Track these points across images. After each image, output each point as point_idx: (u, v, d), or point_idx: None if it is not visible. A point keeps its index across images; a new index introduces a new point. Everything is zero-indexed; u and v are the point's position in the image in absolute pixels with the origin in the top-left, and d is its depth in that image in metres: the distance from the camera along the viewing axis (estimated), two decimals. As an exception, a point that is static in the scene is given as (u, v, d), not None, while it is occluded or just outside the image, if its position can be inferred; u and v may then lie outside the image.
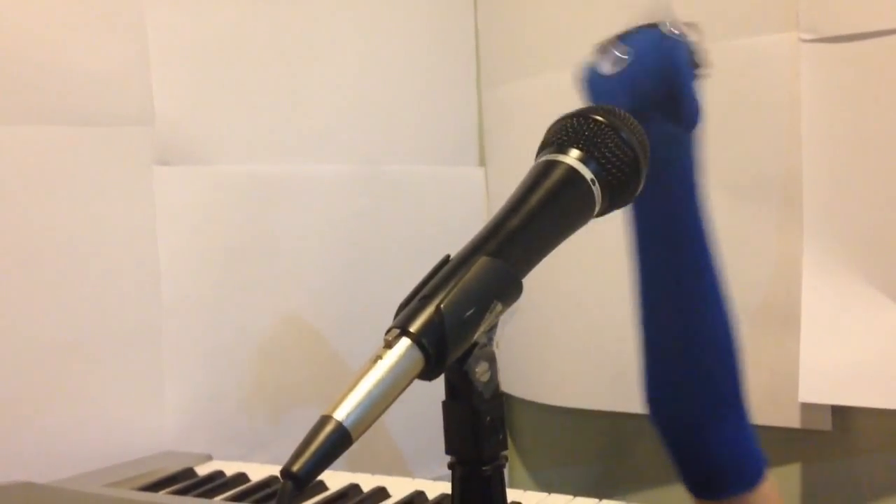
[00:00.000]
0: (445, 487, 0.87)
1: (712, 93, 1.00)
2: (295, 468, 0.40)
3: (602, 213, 0.52)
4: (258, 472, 0.97)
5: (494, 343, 0.48)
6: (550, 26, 1.17)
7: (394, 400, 0.43)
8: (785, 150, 0.95)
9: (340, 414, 0.41)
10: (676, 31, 0.65)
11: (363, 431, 0.42)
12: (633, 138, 0.52)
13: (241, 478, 0.96)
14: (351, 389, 0.42)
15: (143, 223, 1.06)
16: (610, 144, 0.51)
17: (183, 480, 0.96)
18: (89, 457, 1.00)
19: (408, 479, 0.90)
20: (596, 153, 0.51)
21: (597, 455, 1.26)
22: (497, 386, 0.48)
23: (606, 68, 0.64)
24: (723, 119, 1.01)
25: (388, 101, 1.25)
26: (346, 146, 1.21)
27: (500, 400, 0.48)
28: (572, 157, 0.51)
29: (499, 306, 0.46)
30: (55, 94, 0.99)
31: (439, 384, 0.49)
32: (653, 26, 0.67)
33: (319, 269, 1.19)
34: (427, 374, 0.44)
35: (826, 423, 0.98)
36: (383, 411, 0.43)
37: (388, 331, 0.45)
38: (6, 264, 0.96)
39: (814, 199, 0.94)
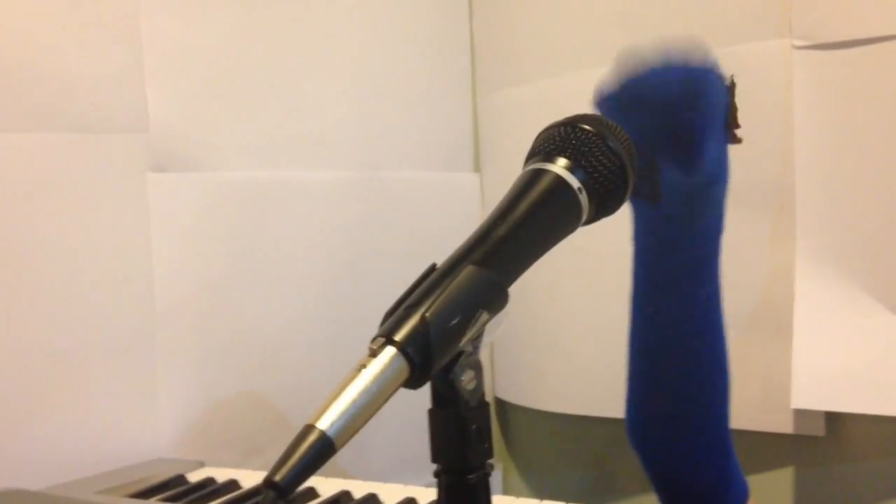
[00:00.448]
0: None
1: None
2: (277, 478, 0.40)
3: (589, 221, 0.52)
4: (250, 478, 0.97)
5: (480, 351, 0.48)
6: (545, 34, 1.17)
7: (378, 408, 0.43)
8: (777, 156, 0.95)
9: (324, 423, 0.41)
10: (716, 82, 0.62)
11: (347, 440, 0.42)
12: (620, 147, 0.52)
13: (233, 485, 0.95)
14: (335, 398, 0.42)
15: (138, 230, 1.06)
16: (597, 153, 0.51)
17: (174, 487, 0.95)
18: (81, 463, 1.00)
19: (399, 486, 0.90)
20: (583, 162, 0.51)
21: (592, 461, 1.26)
22: (483, 394, 0.48)
23: (612, 85, 0.62)
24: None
25: (382, 107, 1.25)
26: (341, 152, 1.21)
27: (486, 408, 0.48)
28: (559, 165, 0.51)
29: (484, 315, 0.46)
30: (50, 101, 0.99)
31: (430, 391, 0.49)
32: (686, 66, 0.64)
33: (313, 276, 1.19)
34: (412, 383, 0.44)
35: (819, 429, 0.98)
36: (367, 420, 0.43)
37: (374, 339, 0.45)
38: (1, 273, 0.96)
39: (806, 206, 0.94)
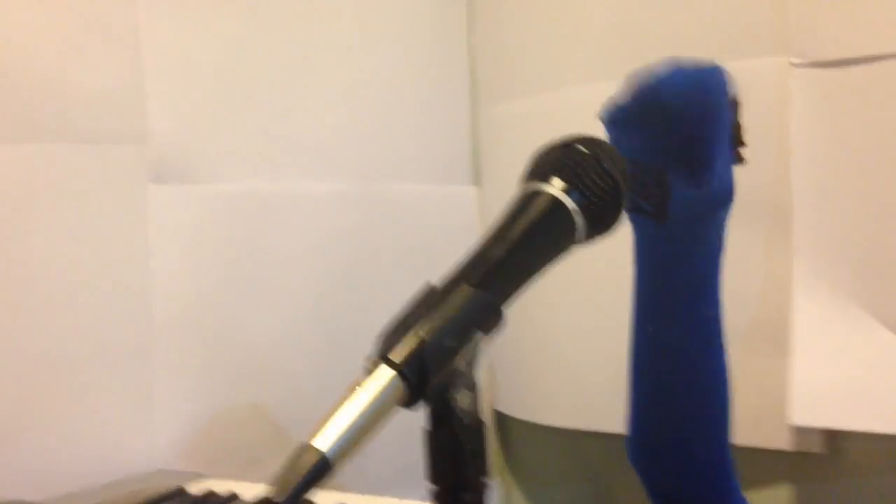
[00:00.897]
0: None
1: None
2: (277, 498, 0.40)
3: (584, 242, 0.53)
4: (250, 490, 0.97)
5: (476, 370, 0.49)
6: (546, 47, 1.18)
7: (375, 428, 0.43)
8: (774, 172, 0.96)
9: (321, 443, 0.42)
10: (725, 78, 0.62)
11: (343, 460, 0.42)
12: (615, 168, 0.52)
13: (234, 497, 0.95)
14: (331, 417, 0.43)
15: (137, 241, 1.06)
16: (592, 174, 0.52)
17: (173, 499, 0.95)
18: (80, 475, 1.00)
19: (395, 500, 0.90)
20: (578, 183, 0.51)
21: (593, 476, 1.26)
22: (478, 413, 0.49)
23: (625, 96, 0.62)
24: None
25: (381, 119, 1.26)
26: (339, 164, 1.22)
27: (482, 427, 0.48)
28: (555, 186, 0.51)
29: (480, 336, 0.47)
30: (49, 112, 0.99)
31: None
32: (697, 85, 0.64)
33: (311, 287, 1.19)
34: (408, 402, 0.45)
35: (818, 446, 0.98)
36: (364, 439, 0.43)
37: (370, 359, 0.45)
38: (-1, 282, 0.96)
39: (803, 221, 0.94)
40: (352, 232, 1.22)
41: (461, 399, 0.47)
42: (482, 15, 1.31)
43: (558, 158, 0.52)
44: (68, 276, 1.01)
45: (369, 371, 0.44)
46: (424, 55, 1.30)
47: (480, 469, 0.48)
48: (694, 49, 1.01)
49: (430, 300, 0.47)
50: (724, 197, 0.67)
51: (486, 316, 0.47)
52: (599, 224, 0.52)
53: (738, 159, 0.66)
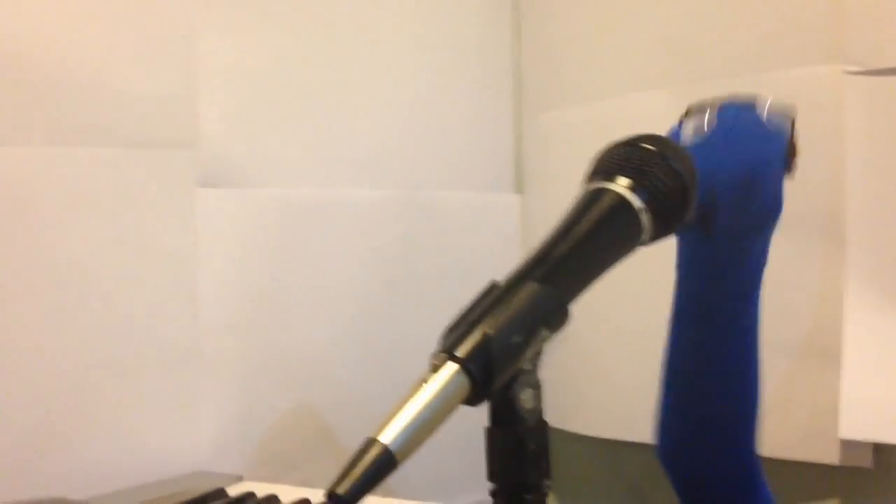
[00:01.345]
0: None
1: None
2: (340, 490, 0.40)
3: (650, 241, 0.52)
4: (290, 494, 0.96)
5: (540, 369, 0.48)
6: (591, 57, 1.18)
7: (439, 424, 0.43)
8: (828, 184, 0.94)
9: (386, 437, 0.41)
10: (776, 119, 0.62)
11: (408, 455, 0.42)
12: (683, 167, 0.52)
13: (273, 500, 0.95)
14: (397, 412, 0.42)
15: (185, 245, 1.07)
16: (659, 173, 0.51)
17: (214, 500, 0.96)
18: (124, 474, 1.01)
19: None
20: (645, 181, 0.51)
21: (633, 487, 1.25)
22: (541, 413, 0.48)
23: (687, 135, 0.61)
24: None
25: (424, 127, 1.26)
26: (384, 171, 1.22)
27: (545, 427, 0.48)
28: (621, 184, 0.51)
29: (546, 333, 0.46)
30: (101, 116, 1.01)
31: (479, 409, 0.48)
32: (751, 105, 0.63)
33: (355, 293, 1.20)
34: (472, 400, 0.44)
35: (867, 461, 0.96)
36: (429, 435, 0.43)
37: (435, 354, 0.45)
38: (49, 285, 0.97)
39: (857, 234, 0.92)
40: (396, 238, 1.22)
41: (525, 398, 0.47)
42: (528, 24, 1.31)
43: (624, 156, 0.52)
44: (117, 278, 1.02)
45: (435, 367, 0.44)
46: (470, 64, 1.31)
47: (543, 470, 0.48)
48: (745, 58, 1.01)
49: (495, 296, 0.46)
50: (772, 212, 0.66)
51: (551, 313, 0.47)
52: (666, 223, 0.52)
53: (790, 172, 0.65)
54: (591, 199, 0.51)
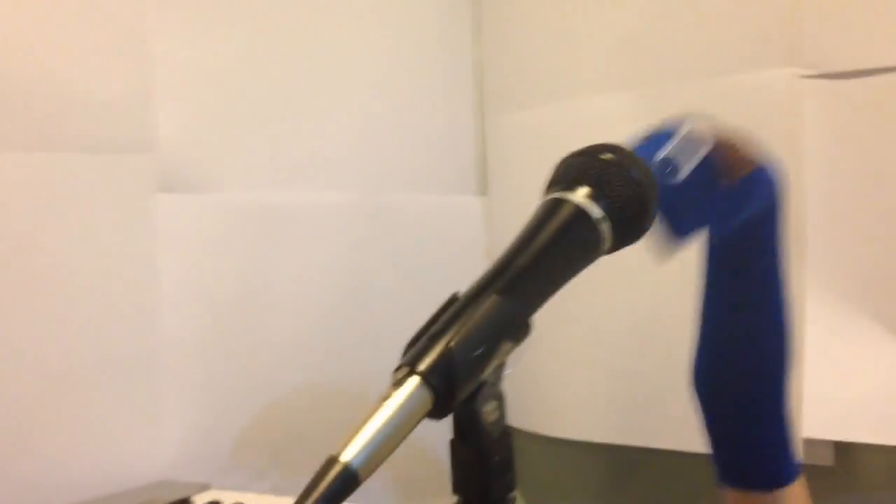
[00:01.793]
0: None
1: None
2: (304, 513, 0.40)
3: (611, 251, 0.52)
4: (258, 501, 0.96)
5: (503, 381, 0.48)
6: (554, 58, 1.18)
7: (402, 439, 0.43)
8: (787, 185, 0.95)
9: (348, 455, 0.41)
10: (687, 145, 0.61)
11: (371, 472, 0.42)
12: (642, 176, 0.52)
13: (238, 508, 0.95)
14: (358, 430, 0.42)
15: (144, 251, 1.06)
16: (618, 182, 0.51)
17: (180, 511, 0.95)
18: (85, 485, 0.99)
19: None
20: (604, 191, 0.51)
21: (601, 489, 1.25)
22: (505, 425, 0.48)
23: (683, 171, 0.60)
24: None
25: (388, 130, 1.26)
26: (347, 175, 1.22)
27: (509, 440, 0.48)
28: (580, 195, 0.51)
29: (508, 345, 0.46)
30: (57, 121, 0.99)
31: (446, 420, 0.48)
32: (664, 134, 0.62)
33: (319, 297, 1.19)
34: (435, 414, 0.44)
35: (828, 459, 0.98)
36: (392, 451, 0.42)
37: (397, 369, 0.44)
38: (3, 291, 0.95)
39: (817, 235, 0.94)
40: (359, 242, 1.22)
41: (488, 410, 0.47)
42: (488, 26, 1.31)
43: (583, 166, 0.52)
44: (74, 284, 1.00)
45: (396, 382, 0.44)
46: (432, 66, 1.30)
47: (507, 483, 0.48)
48: (704, 62, 1.02)
49: (457, 310, 0.46)
50: (761, 205, 0.66)
51: (513, 325, 0.47)
52: (626, 233, 0.52)
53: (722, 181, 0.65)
54: (550, 210, 0.51)
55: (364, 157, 1.23)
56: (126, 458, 1.04)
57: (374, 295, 1.23)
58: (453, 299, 0.48)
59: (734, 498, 0.71)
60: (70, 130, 1.00)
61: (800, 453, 0.97)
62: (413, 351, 0.45)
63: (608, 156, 0.52)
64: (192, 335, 1.09)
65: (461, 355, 0.44)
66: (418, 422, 0.43)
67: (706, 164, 0.61)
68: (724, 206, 0.65)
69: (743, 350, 0.69)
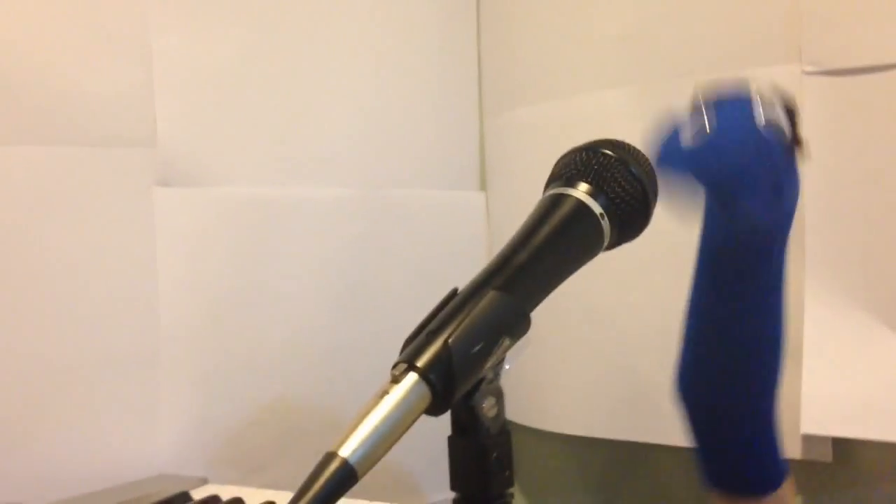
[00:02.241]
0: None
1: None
2: (301, 504, 0.39)
3: (610, 247, 0.52)
4: (255, 496, 0.96)
5: (501, 377, 0.48)
6: (554, 55, 1.17)
7: (401, 436, 0.43)
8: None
9: (346, 451, 0.41)
10: (771, 109, 0.59)
11: (369, 468, 0.41)
12: (643, 172, 0.52)
13: (237, 502, 0.94)
14: (357, 425, 0.42)
15: (143, 244, 1.05)
16: (619, 178, 0.51)
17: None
18: (83, 479, 0.99)
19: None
20: (605, 187, 0.51)
21: (599, 485, 1.25)
22: (504, 422, 0.48)
23: (686, 136, 0.57)
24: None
25: (389, 125, 1.25)
26: (347, 170, 1.21)
27: (507, 436, 0.48)
28: (581, 190, 0.51)
29: (507, 341, 0.46)
30: (57, 115, 0.99)
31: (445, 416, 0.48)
32: (745, 99, 0.59)
33: (318, 293, 1.19)
34: (434, 410, 0.44)
35: (827, 455, 0.98)
36: (390, 447, 0.42)
37: (395, 365, 0.44)
38: (2, 285, 0.95)
39: (816, 231, 0.93)
40: (359, 238, 1.21)
41: (487, 407, 0.47)
42: (491, 23, 1.31)
43: (584, 162, 0.52)
44: (72, 279, 1.00)
45: (395, 378, 0.43)
46: (433, 62, 1.30)
47: (505, 479, 0.48)
48: (705, 58, 1.01)
49: (456, 306, 0.46)
50: (788, 211, 0.65)
51: (513, 321, 0.46)
52: (626, 229, 0.52)
53: (795, 160, 0.63)
54: (550, 206, 0.51)
55: (365, 152, 1.23)
56: (124, 453, 1.04)
57: (374, 290, 1.23)
58: (452, 295, 0.47)
59: (721, 501, 0.70)
60: (69, 124, 1.00)
61: (798, 450, 0.98)
62: (411, 347, 0.45)
63: (609, 151, 0.52)
64: (190, 330, 1.09)
65: (459, 351, 0.44)
66: (416, 418, 0.43)
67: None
68: (777, 182, 0.61)
69: (736, 358, 0.68)
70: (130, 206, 1.05)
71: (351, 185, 1.21)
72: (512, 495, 0.48)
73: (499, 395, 0.47)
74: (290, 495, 0.40)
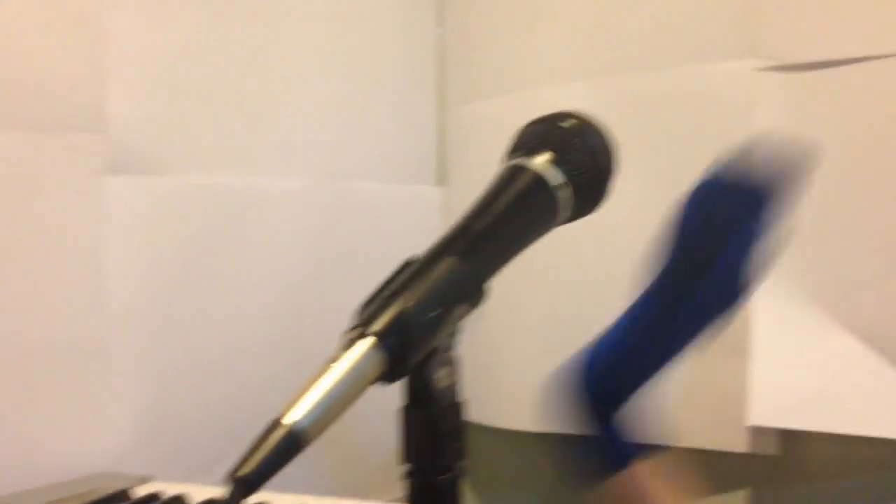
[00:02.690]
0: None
1: (669, 118, 1.02)
2: (243, 472, 0.38)
3: (568, 220, 0.52)
4: (199, 493, 0.93)
5: (456, 348, 0.47)
6: (514, 47, 1.18)
7: (351, 402, 0.41)
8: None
9: (293, 417, 0.40)
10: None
11: (317, 435, 0.40)
12: (601, 144, 0.52)
13: (178, 500, 0.92)
14: (305, 391, 0.41)
15: (92, 234, 1.03)
16: (578, 150, 0.51)
17: (116, 503, 0.92)
18: (27, 476, 0.96)
19: (358, 503, 0.88)
20: (564, 159, 0.50)
21: (549, 481, 1.25)
22: (456, 393, 0.47)
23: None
24: (679, 144, 1.02)
25: (347, 117, 1.24)
26: (304, 161, 1.20)
27: (460, 407, 0.47)
28: (540, 161, 0.50)
29: (463, 309, 0.45)
30: (4, 98, 0.96)
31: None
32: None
33: (271, 285, 1.17)
34: (387, 377, 0.43)
35: (773, 448, 0.99)
36: (340, 414, 0.41)
37: (349, 330, 0.43)
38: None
39: (767, 226, 0.95)
40: (315, 230, 1.20)
41: (440, 378, 0.46)
42: (451, 15, 1.31)
43: (543, 133, 0.52)
44: (17, 268, 0.97)
45: (348, 342, 0.42)
46: (392, 54, 1.30)
47: (457, 451, 0.47)
48: (662, 53, 1.03)
49: (413, 272, 0.45)
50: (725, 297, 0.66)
51: (468, 289, 0.46)
52: (584, 201, 0.51)
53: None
54: (510, 176, 0.50)
55: (322, 143, 1.21)
56: (68, 449, 1.01)
57: (329, 283, 1.21)
58: (409, 262, 0.47)
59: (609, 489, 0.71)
60: (17, 108, 0.97)
61: (745, 442, 0.99)
62: (366, 311, 0.43)
63: (569, 123, 0.52)
64: (139, 323, 1.06)
65: (416, 317, 0.43)
66: (369, 384, 0.42)
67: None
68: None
69: (651, 362, 0.69)
70: (80, 193, 1.02)
71: (308, 177, 1.20)
72: (464, 467, 0.47)
73: (453, 366, 0.47)
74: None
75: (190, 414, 1.10)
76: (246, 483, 0.38)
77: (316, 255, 1.21)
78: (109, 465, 1.03)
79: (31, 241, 0.98)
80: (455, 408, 0.47)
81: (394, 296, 0.43)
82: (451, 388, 0.47)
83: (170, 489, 0.95)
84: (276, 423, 0.40)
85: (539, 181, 0.50)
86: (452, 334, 0.46)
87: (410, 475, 0.47)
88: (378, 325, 0.42)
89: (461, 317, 0.45)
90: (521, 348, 1.19)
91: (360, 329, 0.42)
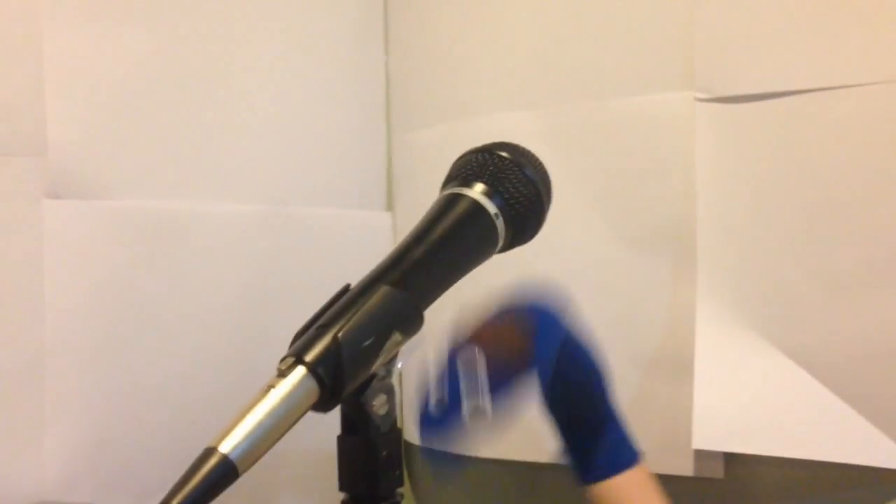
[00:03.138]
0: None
1: (611, 146, 1.04)
2: (174, 502, 0.38)
3: (505, 248, 0.53)
4: (141, 523, 0.91)
5: (394, 374, 0.47)
6: (460, 75, 1.19)
7: (285, 431, 0.42)
8: (680, 204, 0.99)
9: (226, 446, 0.40)
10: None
11: (250, 464, 0.40)
12: (537, 175, 0.53)
13: (122, 529, 0.90)
14: (239, 420, 0.41)
15: (30, 259, 1.01)
16: (514, 180, 0.52)
17: (56, 533, 0.89)
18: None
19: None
20: (500, 188, 0.51)
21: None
22: (395, 419, 0.47)
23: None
24: (620, 173, 1.04)
25: (294, 141, 1.24)
26: (250, 185, 1.19)
27: (398, 434, 0.47)
28: (477, 190, 0.51)
29: (398, 336, 0.46)
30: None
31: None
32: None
33: (216, 312, 1.15)
34: (322, 406, 0.43)
35: (718, 471, 1.00)
36: (273, 444, 0.41)
37: (283, 359, 0.43)
38: None
39: (707, 252, 0.97)
40: (261, 256, 1.19)
41: (378, 404, 0.46)
42: (398, 41, 1.32)
43: (480, 163, 0.52)
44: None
45: (282, 372, 0.42)
46: (340, 78, 1.29)
47: (395, 479, 0.47)
48: (605, 83, 1.05)
49: (347, 300, 0.45)
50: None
51: (405, 317, 0.46)
52: (520, 230, 0.52)
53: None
54: (446, 204, 0.51)
55: (268, 167, 1.20)
56: (8, 477, 0.98)
57: (275, 311, 1.20)
58: (344, 290, 0.47)
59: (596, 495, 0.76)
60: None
61: (690, 466, 1.00)
62: (300, 341, 0.44)
63: (505, 153, 0.53)
64: (79, 348, 1.04)
65: (349, 346, 0.43)
66: (303, 413, 0.42)
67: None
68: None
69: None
70: (17, 217, 1.00)
71: (253, 201, 1.19)
72: (402, 495, 0.47)
73: (390, 393, 0.47)
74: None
75: (132, 439, 1.08)
76: None
77: (263, 280, 1.19)
78: (48, 495, 1.01)
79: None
80: (393, 434, 0.47)
81: (328, 325, 0.44)
82: (389, 415, 0.47)
83: (110, 519, 0.93)
84: (210, 451, 0.40)
85: (476, 208, 0.51)
86: (390, 362, 0.46)
87: (350, 503, 0.47)
88: (311, 354, 0.42)
89: (398, 344, 0.46)
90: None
91: (292, 358, 0.42)
